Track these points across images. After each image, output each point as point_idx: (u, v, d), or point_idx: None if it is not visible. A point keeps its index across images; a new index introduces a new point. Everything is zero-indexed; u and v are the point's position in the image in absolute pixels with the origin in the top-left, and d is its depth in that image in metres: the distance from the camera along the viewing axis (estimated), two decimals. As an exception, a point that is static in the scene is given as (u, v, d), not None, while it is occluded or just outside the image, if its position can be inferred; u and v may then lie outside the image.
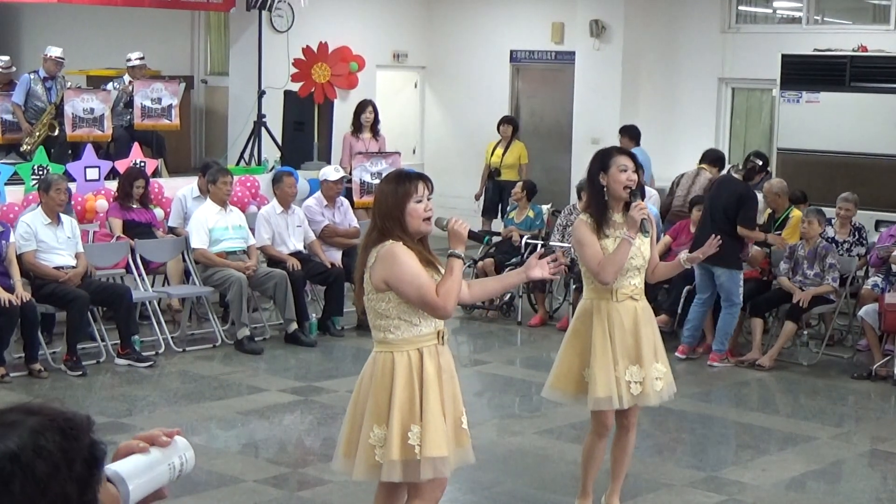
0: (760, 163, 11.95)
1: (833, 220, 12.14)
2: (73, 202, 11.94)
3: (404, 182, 5.61)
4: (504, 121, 16.27)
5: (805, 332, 11.86)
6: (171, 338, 11.52)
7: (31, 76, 14.45)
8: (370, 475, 5.66)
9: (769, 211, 12.38)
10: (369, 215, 13.68)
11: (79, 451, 1.97)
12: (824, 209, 11.85)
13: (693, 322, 11.48)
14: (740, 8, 16.08)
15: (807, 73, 14.23)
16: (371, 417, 5.55)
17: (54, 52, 14.50)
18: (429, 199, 5.63)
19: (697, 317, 11.46)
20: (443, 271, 5.59)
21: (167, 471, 2.33)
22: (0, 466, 1.88)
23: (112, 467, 2.21)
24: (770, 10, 16.24)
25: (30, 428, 1.94)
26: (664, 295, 11.97)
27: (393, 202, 5.54)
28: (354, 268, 12.29)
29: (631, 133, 14.70)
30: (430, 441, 5.51)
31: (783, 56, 14.39)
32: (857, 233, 12.14)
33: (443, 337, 5.67)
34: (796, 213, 12.12)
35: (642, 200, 6.82)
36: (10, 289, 10.23)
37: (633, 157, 6.86)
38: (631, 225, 6.65)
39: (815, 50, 14.42)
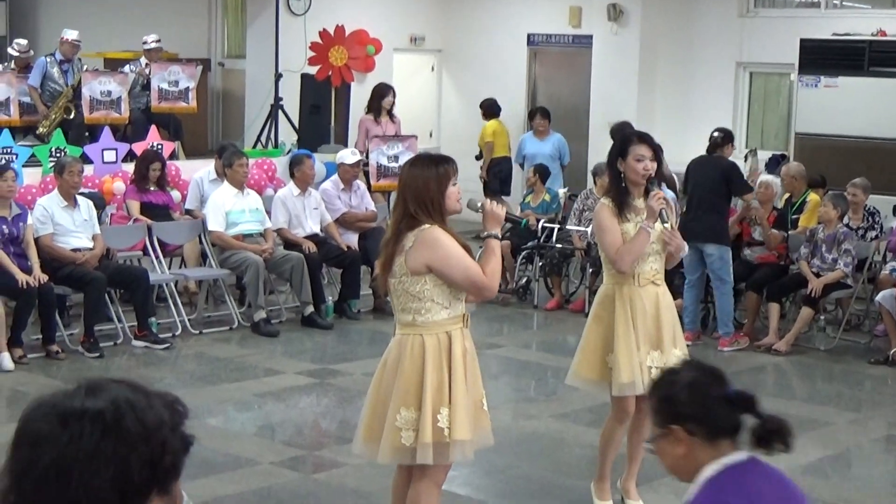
0: (721, 135, 11.82)
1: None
2: (90, 184, 11.99)
3: (441, 164, 5.64)
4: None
5: (822, 317, 11.83)
6: (188, 320, 11.54)
7: (48, 59, 14.46)
8: (395, 458, 5.67)
9: (787, 195, 12.35)
10: (385, 198, 13.89)
11: (180, 422, 2.21)
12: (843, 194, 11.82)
13: (689, 306, 11.45)
14: (758, -8, 16.03)
15: (825, 58, 14.18)
16: (399, 399, 5.55)
17: (71, 34, 14.51)
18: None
19: (691, 299, 11.44)
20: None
21: None
22: (116, 405, 2.12)
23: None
24: (788, -6, 16.19)
25: (145, 390, 2.20)
26: (680, 279, 11.95)
27: (434, 185, 5.55)
28: (371, 250, 12.34)
29: (543, 112, 15.39)
30: (459, 423, 5.55)
31: (801, 40, 14.35)
32: (870, 217, 12.11)
33: (467, 320, 5.69)
34: (814, 196, 12.08)
35: (660, 189, 6.78)
36: (27, 271, 10.26)
37: (652, 145, 6.82)
38: (649, 214, 6.65)
39: (834, 34, 14.37)
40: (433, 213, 5.54)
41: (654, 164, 6.74)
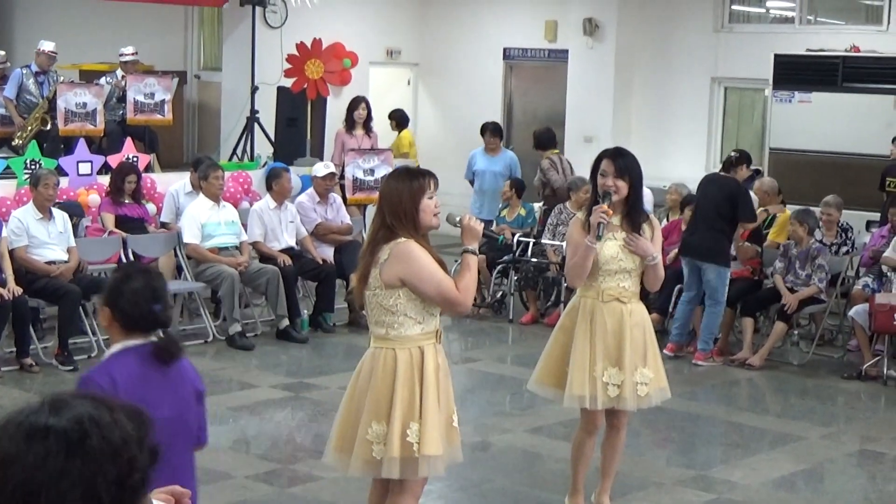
0: (736, 155, 11.85)
1: (820, 224, 12.16)
2: (65, 196, 11.95)
3: (417, 178, 5.63)
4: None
5: (796, 332, 11.89)
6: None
7: (24, 70, 14.43)
8: (366, 471, 5.68)
9: (762, 209, 12.41)
10: (361, 212, 13.88)
11: (146, 437, 2.16)
12: (816, 209, 11.88)
13: (680, 320, 11.50)
14: (733, 7, 16.10)
15: (799, 73, 14.26)
16: (370, 413, 5.55)
17: (47, 46, 14.49)
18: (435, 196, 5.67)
19: (684, 315, 11.48)
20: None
21: None
22: (80, 424, 2.08)
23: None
24: (763, 10, 16.26)
25: (109, 405, 2.15)
26: (655, 294, 11.99)
27: (408, 198, 5.55)
28: (346, 264, 12.34)
29: (495, 129, 14.83)
30: (429, 439, 5.54)
31: (776, 56, 14.42)
32: (843, 233, 12.19)
33: (440, 335, 5.70)
34: (784, 213, 12.15)
35: (604, 203, 6.71)
36: (1, 283, 10.22)
37: (615, 161, 6.75)
38: (590, 230, 6.65)
39: (808, 50, 14.45)
40: (407, 226, 5.54)
41: (620, 180, 6.71)
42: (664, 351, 11.10)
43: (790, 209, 12.26)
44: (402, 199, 5.55)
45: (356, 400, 5.66)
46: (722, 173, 11.68)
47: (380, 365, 5.57)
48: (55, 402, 2.14)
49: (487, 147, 14.80)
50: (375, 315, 5.62)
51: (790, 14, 15.69)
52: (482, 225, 5.87)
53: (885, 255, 11.36)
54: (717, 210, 11.16)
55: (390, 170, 13.42)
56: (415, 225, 5.56)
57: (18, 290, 10.24)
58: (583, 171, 13.80)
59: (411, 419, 5.53)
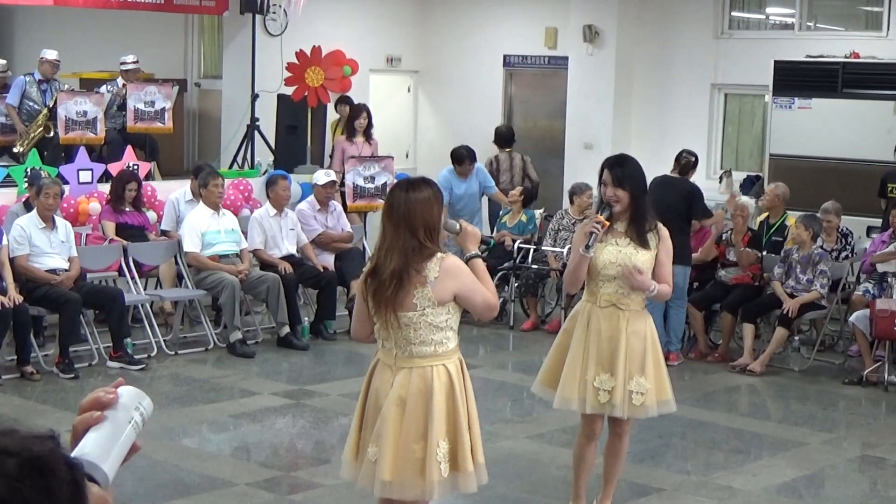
0: (694, 159, 12.01)
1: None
2: (65, 205, 11.95)
3: (436, 189, 5.61)
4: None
5: (796, 338, 11.88)
6: (164, 341, 11.52)
7: (27, 78, 14.44)
8: (441, 492, 5.52)
9: (765, 214, 12.42)
10: (361, 219, 13.87)
11: (60, 484, 1.83)
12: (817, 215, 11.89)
13: (676, 327, 11.55)
14: (733, 14, 16.10)
15: (799, 80, 14.27)
16: (437, 433, 5.44)
17: (50, 54, 14.50)
18: None
19: (658, 321, 11.54)
20: None
21: (132, 430, 2.23)
22: None
23: (79, 455, 2.08)
24: (763, 17, 16.27)
25: (7, 475, 1.79)
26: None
27: (437, 210, 5.51)
28: (347, 271, 12.32)
29: (473, 157, 14.13)
30: (479, 446, 5.62)
31: (776, 62, 14.43)
32: (843, 239, 12.21)
33: None
34: (792, 219, 12.15)
35: (602, 214, 6.72)
36: (2, 291, 10.23)
37: (612, 170, 6.79)
38: (580, 237, 6.71)
39: (808, 56, 14.45)
40: (435, 238, 5.49)
41: (620, 190, 6.73)
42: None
43: (790, 215, 12.26)
44: (433, 212, 5.49)
45: (411, 424, 5.46)
46: (674, 175, 11.73)
47: (435, 383, 5.48)
48: None
49: (462, 173, 14.00)
50: (422, 335, 5.49)
51: (790, 20, 15.69)
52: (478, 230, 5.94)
53: (875, 253, 11.42)
54: (676, 210, 11.22)
55: (391, 177, 13.47)
56: (437, 236, 5.53)
57: (19, 299, 10.25)
58: (583, 177, 13.85)
59: (471, 429, 5.56)
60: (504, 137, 15.23)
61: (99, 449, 2.15)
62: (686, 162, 11.86)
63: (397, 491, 5.48)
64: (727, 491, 8.04)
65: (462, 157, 13.97)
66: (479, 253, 5.77)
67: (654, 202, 11.36)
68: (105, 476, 2.13)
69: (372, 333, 5.67)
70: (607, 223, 6.66)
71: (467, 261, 5.68)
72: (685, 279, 11.39)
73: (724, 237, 12.01)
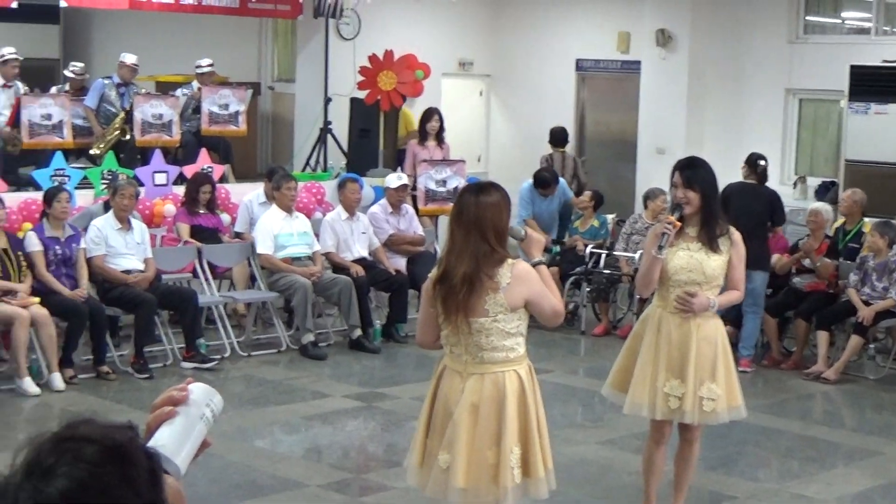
0: (765, 163, 11.96)
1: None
2: (141, 206, 12.09)
3: (504, 193, 5.61)
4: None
5: (872, 346, 11.74)
6: (237, 342, 11.62)
7: (106, 82, 14.59)
8: (514, 499, 5.52)
9: (842, 221, 12.28)
10: (433, 223, 13.90)
11: (139, 473, 1.86)
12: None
13: (753, 333, 11.50)
14: (808, 18, 15.95)
15: (875, 85, 14.10)
16: (510, 439, 5.44)
17: (129, 59, 14.65)
18: None
19: (752, 327, 11.49)
20: None
21: (203, 426, 2.28)
22: (69, 498, 1.79)
23: (153, 448, 2.08)
24: (839, 21, 16.10)
25: (88, 461, 1.82)
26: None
27: (506, 215, 5.54)
28: (419, 275, 12.37)
29: (555, 180, 14.06)
30: (549, 451, 5.63)
31: (851, 67, 14.27)
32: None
33: None
34: (869, 226, 12.00)
35: (673, 216, 6.70)
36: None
37: (683, 172, 6.76)
38: (652, 239, 6.67)
39: (884, 61, 14.28)
40: (503, 243, 5.49)
41: (690, 191, 6.69)
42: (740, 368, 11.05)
43: (867, 221, 12.12)
44: (502, 216, 5.50)
45: (485, 430, 5.46)
46: (751, 181, 11.68)
47: (507, 389, 5.47)
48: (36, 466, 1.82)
49: (545, 194, 14.00)
50: (492, 341, 5.47)
51: (866, 25, 15.52)
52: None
53: None
54: (759, 218, 11.24)
55: (462, 181, 13.48)
56: (505, 241, 5.53)
57: (86, 293, 10.39)
58: (655, 182, 13.78)
59: (539, 435, 5.56)
60: (558, 137, 15.61)
61: (172, 443, 2.20)
62: (762, 169, 11.78)
63: (472, 498, 5.47)
64: (801, 500, 7.97)
65: (547, 183, 13.93)
66: (543, 260, 5.74)
67: (740, 210, 11.39)
68: (177, 469, 2.17)
69: (438, 339, 5.64)
70: (679, 224, 6.63)
71: (532, 267, 5.66)
72: (763, 284, 11.38)
73: (798, 244, 11.91)
